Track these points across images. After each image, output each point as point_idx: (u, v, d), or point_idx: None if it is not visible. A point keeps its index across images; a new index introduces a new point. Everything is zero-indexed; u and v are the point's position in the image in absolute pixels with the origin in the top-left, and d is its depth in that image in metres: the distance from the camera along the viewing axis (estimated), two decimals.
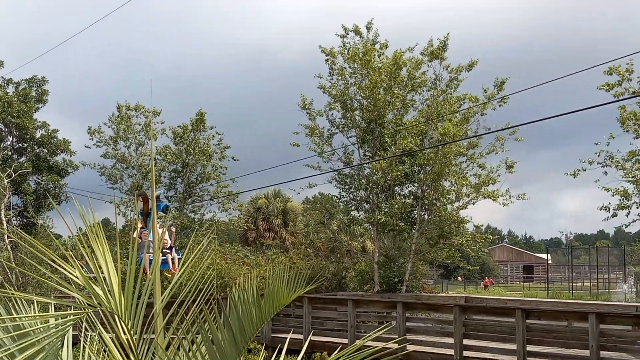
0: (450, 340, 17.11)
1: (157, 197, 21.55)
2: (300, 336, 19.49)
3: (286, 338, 6.55)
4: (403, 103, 28.35)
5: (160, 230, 21.01)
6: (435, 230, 28.01)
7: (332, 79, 28.71)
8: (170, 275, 19.21)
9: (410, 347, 17.14)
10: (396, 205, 27.04)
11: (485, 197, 27.38)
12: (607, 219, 21.38)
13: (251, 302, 3.89)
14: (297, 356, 5.32)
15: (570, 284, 61.26)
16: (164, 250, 19.67)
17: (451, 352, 16.93)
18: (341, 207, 31.10)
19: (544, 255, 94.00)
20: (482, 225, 33.08)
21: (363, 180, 28.28)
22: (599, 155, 21.55)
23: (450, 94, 27.84)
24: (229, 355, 3.81)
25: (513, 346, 15.92)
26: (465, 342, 16.94)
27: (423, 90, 28.42)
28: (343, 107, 28.47)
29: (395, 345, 16.50)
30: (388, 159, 26.02)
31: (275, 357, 5.09)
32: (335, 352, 4.39)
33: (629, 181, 20.96)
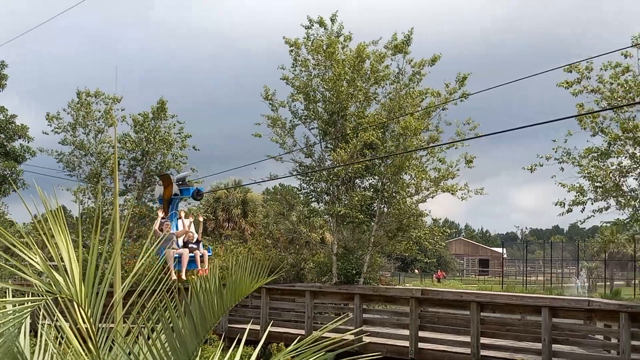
0: (406, 332, 17.29)
1: (183, 179, 18.52)
2: (258, 327, 19.52)
3: (243, 328, 6.57)
4: (366, 96, 28.47)
5: (186, 222, 17.82)
6: (394, 223, 28.24)
7: (296, 71, 28.71)
8: (201, 274, 16.59)
9: (367, 339, 17.28)
10: (356, 198, 27.17)
11: (444, 191, 27.71)
12: (562, 215, 21.80)
13: (213, 291, 3.92)
14: (254, 346, 5.36)
15: (525, 278, 62.27)
16: (190, 246, 17.21)
17: (406, 343, 17.12)
18: (301, 198, 31.16)
19: (499, 250, 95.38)
20: (440, 219, 33.53)
21: (324, 172, 28.35)
22: (556, 152, 21.93)
23: (413, 88, 28.05)
24: (188, 344, 3.84)
25: (467, 338, 16.17)
26: (421, 334, 17.14)
27: (386, 84, 28.58)
28: (306, 99, 28.48)
29: (352, 337, 16.63)
30: (349, 152, 26.10)
31: (234, 347, 5.12)
32: (294, 342, 4.44)
33: (584, 177, 21.36)
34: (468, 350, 16.08)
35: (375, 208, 28.58)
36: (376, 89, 28.82)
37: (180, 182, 18.04)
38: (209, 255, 17.35)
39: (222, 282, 4.05)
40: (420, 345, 17.02)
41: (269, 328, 17.14)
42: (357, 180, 28.96)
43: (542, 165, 22.05)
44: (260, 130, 28.86)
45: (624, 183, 21.20)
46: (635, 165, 20.75)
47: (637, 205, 20.75)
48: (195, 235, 17.64)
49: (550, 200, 28.10)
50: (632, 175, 21.07)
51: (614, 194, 21.05)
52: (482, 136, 24.50)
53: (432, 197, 28.15)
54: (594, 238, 77.70)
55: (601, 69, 21.17)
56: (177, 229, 17.77)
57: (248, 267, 4.00)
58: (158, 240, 16.77)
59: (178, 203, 18.39)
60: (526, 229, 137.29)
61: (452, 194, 27.64)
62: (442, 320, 17.53)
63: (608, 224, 27.46)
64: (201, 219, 18.26)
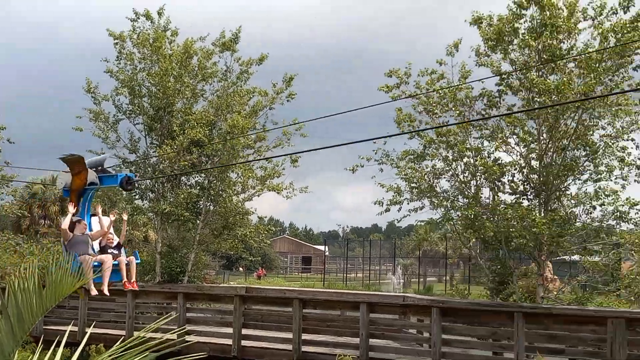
0: (230, 330, 17.38)
1: (101, 163, 13.89)
2: (76, 328, 18.82)
3: (60, 330, 6.33)
4: (193, 92, 28.18)
5: (105, 220, 13.69)
6: (220, 221, 28.19)
7: (120, 64, 27.87)
8: (127, 288, 13.57)
9: (190, 338, 17.17)
10: (182, 195, 26.85)
11: (270, 190, 28.02)
12: (381, 214, 22.65)
13: (32, 291, 3.77)
14: (71, 348, 5.21)
15: (345, 274, 64.41)
16: (111, 252, 13.33)
17: (230, 341, 17.21)
18: (124, 195, 30.28)
19: (322, 247, 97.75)
20: (265, 217, 33.89)
21: (149, 169, 27.78)
22: (376, 153, 22.77)
23: (241, 86, 28.14)
24: (5, 346, 3.67)
25: (290, 335, 16.51)
26: (244, 331, 17.29)
27: (214, 81, 28.45)
28: (131, 93, 27.72)
29: (175, 336, 16.43)
30: (175, 149, 25.72)
31: (53, 349, 4.94)
32: (116, 344, 4.38)
33: (401, 178, 22.35)
34: (290, 347, 16.42)
35: (201, 206, 28.40)
36: (203, 85, 28.64)
37: (98, 168, 13.80)
38: (136, 263, 13.59)
39: (43, 282, 3.91)
40: (244, 343, 17.16)
41: (88, 329, 16.63)
42: (183, 178, 28.61)
43: (362, 166, 22.85)
44: (82, 124, 27.77)
45: (437, 184, 22.42)
46: (447, 168, 22.01)
47: (449, 206, 22.00)
48: (116, 239, 13.80)
49: (370, 200, 29.24)
50: (444, 177, 22.33)
51: (428, 195, 22.18)
52: (342, 144, 24.94)
53: (259, 196, 28.42)
54: (409, 236, 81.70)
55: (418, 75, 22.27)
56: (91, 229, 13.73)
57: (69, 266, 3.89)
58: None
59: (93, 195, 14.47)
60: (347, 227, 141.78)
61: (278, 192, 28.04)
62: (265, 317, 17.79)
63: (422, 223, 29.00)
64: (125, 216, 14.23)
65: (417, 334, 17.64)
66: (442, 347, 15.03)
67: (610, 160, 20.12)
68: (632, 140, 19.92)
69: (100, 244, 13.46)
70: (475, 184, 21.50)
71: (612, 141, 20.09)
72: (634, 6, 18.69)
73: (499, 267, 22.59)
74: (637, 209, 19.38)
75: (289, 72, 27.98)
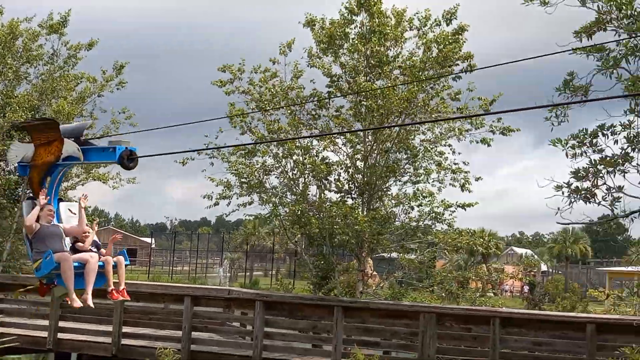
0: (46, 322, 16.79)
1: (81, 131, 9.92)
2: None
3: None
4: (16, 75, 26.72)
5: (82, 213, 10.64)
6: None
7: None
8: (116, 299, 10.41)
9: (1, 330, 16.42)
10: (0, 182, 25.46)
11: (95, 179, 27.19)
12: (210, 207, 22.63)
13: None
14: None
15: (171, 267, 63.71)
16: (90, 250, 10.25)
17: (45, 334, 16.63)
18: None
19: (148, 239, 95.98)
20: (90, 207, 32.79)
21: None
22: (207, 147, 22.73)
23: (68, 71, 27.04)
24: None
25: (110, 328, 16.21)
26: (61, 324, 16.77)
27: (39, 64, 27.11)
28: None
29: None
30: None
31: None
32: None
33: (232, 173, 22.45)
34: (109, 340, 16.13)
35: (20, 193, 27.03)
36: (28, 68, 27.20)
37: (80, 138, 9.65)
38: (126, 265, 10.48)
39: None
40: (60, 335, 16.66)
41: None
42: (1, 163, 27.08)
43: (193, 159, 22.70)
44: None
45: (266, 180, 22.70)
46: (277, 165, 22.38)
47: (277, 202, 22.36)
48: (92, 234, 10.44)
49: (199, 193, 29.07)
50: (274, 174, 22.67)
51: (257, 190, 22.40)
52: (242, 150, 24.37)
53: (83, 185, 27.48)
54: (238, 230, 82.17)
55: (251, 72, 22.44)
56: (59, 220, 10.30)
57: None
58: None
59: (64, 173, 11.24)
60: (176, 219, 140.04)
61: (104, 182, 27.29)
62: (84, 309, 17.24)
63: (251, 218, 29.13)
64: (84, 202, 10.73)
65: (240, 327, 17.88)
66: (264, 340, 15.36)
67: (429, 164, 21.32)
68: (449, 145, 21.20)
69: (72, 240, 10.35)
70: (303, 181, 21.98)
71: (431, 146, 21.29)
72: (456, 19, 19.97)
73: (322, 262, 23.27)
74: (451, 211, 20.68)
75: (120, 60, 27.29)
